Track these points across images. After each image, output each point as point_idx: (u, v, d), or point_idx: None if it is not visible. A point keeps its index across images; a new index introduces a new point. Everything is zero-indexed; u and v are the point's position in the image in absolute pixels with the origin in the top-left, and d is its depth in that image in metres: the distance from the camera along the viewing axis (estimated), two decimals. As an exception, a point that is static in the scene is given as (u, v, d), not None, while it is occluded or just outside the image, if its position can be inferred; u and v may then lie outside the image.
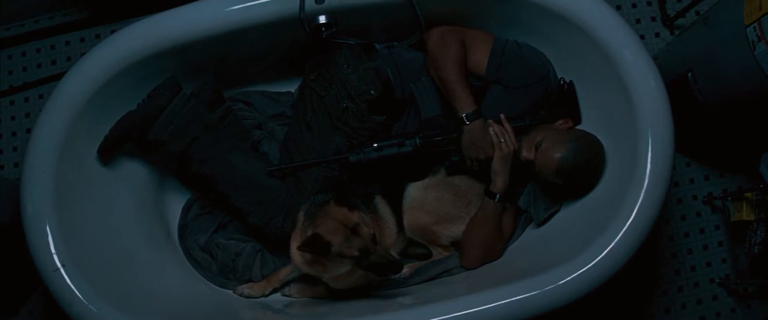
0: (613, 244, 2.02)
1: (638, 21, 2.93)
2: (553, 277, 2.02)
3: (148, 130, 2.21)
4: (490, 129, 2.16)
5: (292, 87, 2.56)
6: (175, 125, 2.21)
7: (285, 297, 2.40)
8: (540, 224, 2.34)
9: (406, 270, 2.34)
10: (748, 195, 2.57)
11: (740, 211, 2.61)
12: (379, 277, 2.25)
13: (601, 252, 2.02)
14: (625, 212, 2.04)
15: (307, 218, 2.11)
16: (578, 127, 2.28)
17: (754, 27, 2.04)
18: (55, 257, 2.03)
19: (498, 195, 2.20)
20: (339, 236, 1.97)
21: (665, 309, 2.85)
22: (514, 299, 2.00)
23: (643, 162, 2.05)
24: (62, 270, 2.02)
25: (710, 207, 2.86)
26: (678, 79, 2.43)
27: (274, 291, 2.40)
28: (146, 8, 2.66)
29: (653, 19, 2.95)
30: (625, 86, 2.12)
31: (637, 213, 2.03)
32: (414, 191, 2.33)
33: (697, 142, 2.79)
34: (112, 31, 2.70)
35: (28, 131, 2.80)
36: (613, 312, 2.77)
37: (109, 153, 2.24)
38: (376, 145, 2.22)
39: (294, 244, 2.16)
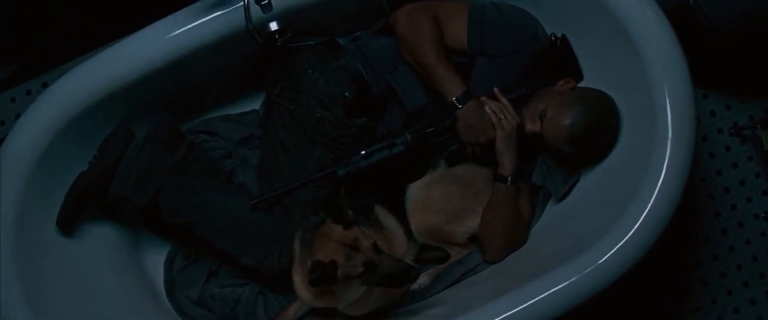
0: (649, 207, 1.97)
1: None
2: (590, 258, 1.97)
3: (107, 188, 2.14)
4: (486, 107, 2.10)
5: (255, 104, 2.50)
6: (135, 177, 2.14)
7: (301, 336, 2.34)
8: (560, 199, 2.29)
9: (425, 278, 2.29)
10: (778, 119, 2.54)
11: (774, 138, 2.58)
12: (399, 289, 2.20)
13: (638, 219, 1.97)
14: (654, 169, 1.99)
15: (303, 246, 2.04)
16: (581, 85, 2.23)
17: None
18: (37, 352, 1.97)
19: (509, 178, 2.14)
20: (340, 256, 1.91)
21: (712, 255, 2.83)
22: (551, 291, 1.95)
23: (662, 108, 2.00)
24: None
25: (739, 139, 2.83)
26: (678, 6, 2.39)
27: (286, 333, 2.33)
28: (78, 50, 2.58)
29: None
30: (623, 27, 2.06)
31: (668, 166, 1.98)
32: (416, 191, 2.27)
33: (710, 71, 2.73)
34: (44, 85, 2.64)
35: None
36: (655, 269, 2.72)
37: (69, 222, 2.18)
38: (364, 152, 2.15)
39: (297, 278, 2.09)
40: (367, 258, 1.91)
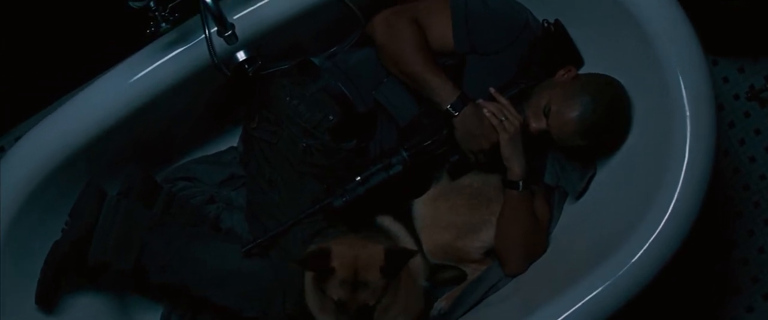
0: (677, 194, 1.94)
1: None
2: (623, 257, 1.95)
3: (85, 256, 2.10)
4: (485, 110, 2.08)
5: (232, 140, 2.48)
6: (114, 239, 2.10)
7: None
8: (578, 196, 2.27)
9: (443, 303, 2.26)
10: (797, 77, 2.53)
11: (797, 97, 2.57)
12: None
13: (668, 208, 1.94)
14: (676, 152, 1.97)
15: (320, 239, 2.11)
16: (582, 71, 2.21)
17: None
18: None
19: (520, 183, 2.12)
20: (342, 271, 1.93)
21: (748, 231, 2.82)
22: (587, 300, 1.93)
23: (676, 86, 1.98)
24: None
25: (758, 103, 2.81)
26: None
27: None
28: (33, 109, 2.57)
29: None
30: (620, 2, 2.05)
31: (690, 147, 1.96)
32: (422, 208, 2.24)
33: (716, 34, 2.69)
34: (2, 149, 2.61)
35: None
36: (689, 255, 2.68)
37: (49, 298, 2.12)
38: (359, 178, 2.12)
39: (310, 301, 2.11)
40: (346, 299, 1.94)
